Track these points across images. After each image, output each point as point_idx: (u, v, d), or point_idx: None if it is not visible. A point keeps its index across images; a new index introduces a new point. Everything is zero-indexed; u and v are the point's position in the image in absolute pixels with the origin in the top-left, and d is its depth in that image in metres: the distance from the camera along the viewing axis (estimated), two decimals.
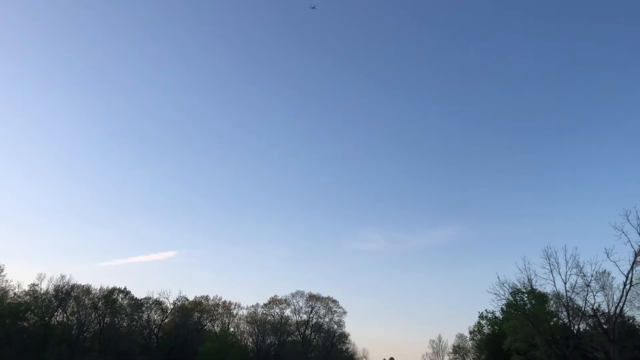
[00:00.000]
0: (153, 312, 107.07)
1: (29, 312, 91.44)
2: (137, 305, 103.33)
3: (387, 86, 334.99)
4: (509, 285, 50.83)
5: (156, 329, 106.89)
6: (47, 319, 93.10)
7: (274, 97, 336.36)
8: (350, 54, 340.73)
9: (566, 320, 50.39)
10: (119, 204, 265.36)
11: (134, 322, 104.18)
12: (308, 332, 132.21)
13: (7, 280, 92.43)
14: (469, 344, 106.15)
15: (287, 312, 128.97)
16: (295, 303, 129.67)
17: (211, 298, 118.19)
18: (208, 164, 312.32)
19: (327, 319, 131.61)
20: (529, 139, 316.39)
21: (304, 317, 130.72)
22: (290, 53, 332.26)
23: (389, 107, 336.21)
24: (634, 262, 36.50)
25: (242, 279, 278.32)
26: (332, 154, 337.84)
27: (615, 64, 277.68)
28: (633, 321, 57.93)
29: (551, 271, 43.77)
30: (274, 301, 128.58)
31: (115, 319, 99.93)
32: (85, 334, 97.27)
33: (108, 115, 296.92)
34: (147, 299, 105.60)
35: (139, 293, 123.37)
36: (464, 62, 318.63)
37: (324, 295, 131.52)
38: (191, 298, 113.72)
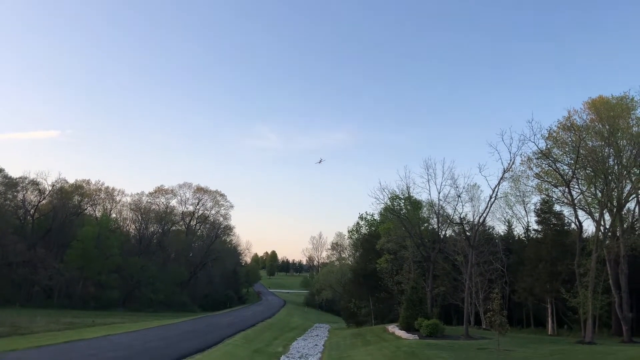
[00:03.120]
0: (29, 192, 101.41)
1: None
2: (12, 184, 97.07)
3: None
4: (388, 190, 53.86)
5: (32, 210, 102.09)
6: None
7: None
8: None
9: (435, 226, 54.89)
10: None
11: (8, 202, 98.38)
12: (193, 222, 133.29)
13: None
14: (347, 242, 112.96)
15: (173, 202, 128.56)
16: (182, 194, 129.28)
17: (93, 182, 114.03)
18: (102, 41, 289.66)
19: (213, 212, 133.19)
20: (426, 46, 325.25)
21: (190, 208, 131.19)
22: None
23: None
24: (501, 178, 39.99)
25: (127, 167, 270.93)
26: (236, 44, 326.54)
27: None
28: (492, 230, 64.63)
29: (428, 181, 46.73)
30: (159, 190, 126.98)
31: None
32: None
33: None
34: (23, 178, 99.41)
35: (14, 172, 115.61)
36: None
37: (212, 188, 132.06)
38: (72, 181, 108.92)
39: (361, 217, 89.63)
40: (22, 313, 64.43)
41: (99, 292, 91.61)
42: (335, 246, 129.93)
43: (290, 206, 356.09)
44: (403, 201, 56.86)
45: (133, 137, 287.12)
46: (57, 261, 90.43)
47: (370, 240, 67.24)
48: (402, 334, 39.49)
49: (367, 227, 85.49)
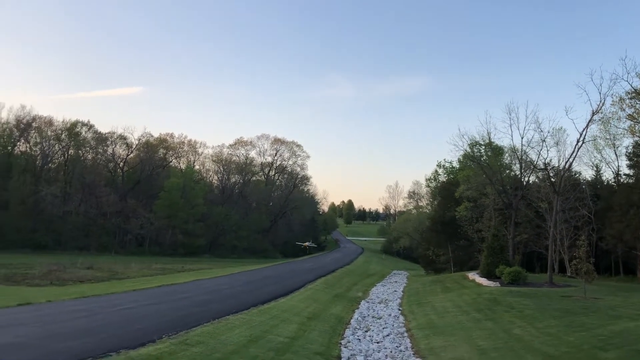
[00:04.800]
0: (118, 146, 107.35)
1: None
2: (102, 139, 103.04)
3: None
4: (468, 137, 52.31)
5: (121, 163, 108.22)
6: (9, 148, 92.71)
7: None
8: None
9: (518, 173, 53.02)
10: (86, 31, 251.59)
11: (99, 156, 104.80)
12: (272, 173, 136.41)
13: None
14: (424, 190, 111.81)
15: (252, 153, 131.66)
16: (261, 145, 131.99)
17: (176, 136, 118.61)
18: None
19: (290, 162, 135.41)
20: None
21: (269, 159, 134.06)
22: None
23: None
24: (589, 120, 37.60)
25: (208, 120, 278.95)
26: None
27: None
28: (579, 176, 61.53)
29: (510, 125, 44.81)
30: (239, 142, 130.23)
31: (80, 152, 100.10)
32: (49, 165, 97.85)
33: None
34: (112, 133, 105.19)
35: (103, 128, 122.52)
36: None
37: (289, 139, 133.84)
38: (156, 135, 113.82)
39: (439, 165, 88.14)
40: (117, 260, 69.38)
41: (186, 239, 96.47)
42: (412, 194, 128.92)
43: (365, 155, 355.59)
44: (483, 147, 55.14)
45: (211, 91, 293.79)
46: (146, 211, 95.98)
47: (448, 188, 66.10)
48: (483, 281, 39.14)
49: (445, 175, 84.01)
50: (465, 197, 56.49)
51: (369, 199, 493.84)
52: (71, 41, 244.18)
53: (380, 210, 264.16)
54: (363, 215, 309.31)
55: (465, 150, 53.78)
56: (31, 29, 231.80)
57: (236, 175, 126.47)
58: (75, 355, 12.55)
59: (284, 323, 21.87)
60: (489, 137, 50.41)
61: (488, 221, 53.37)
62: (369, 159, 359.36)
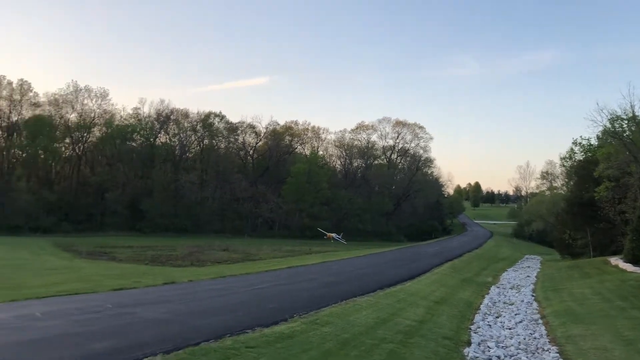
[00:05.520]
0: (247, 135, 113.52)
1: (135, 134, 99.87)
2: (233, 128, 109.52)
3: None
4: (607, 111, 47.96)
5: (251, 151, 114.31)
6: (151, 140, 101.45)
7: None
8: None
9: None
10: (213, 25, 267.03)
11: (231, 145, 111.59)
12: (394, 156, 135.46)
13: (112, 104, 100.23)
14: (558, 170, 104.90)
15: (374, 137, 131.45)
16: (382, 129, 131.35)
17: (300, 123, 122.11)
18: None
19: (412, 144, 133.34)
20: None
21: (390, 142, 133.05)
22: None
23: None
24: None
25: (329, 106, 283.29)
26: None
27: None
28: None
29: None
30: (360, 127, 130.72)
31: (214, 141, 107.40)
32: (187, 154, 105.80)
33: None
34: (242, 122, 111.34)
35: (233, 117, 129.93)
36: None
37: (411, 121, 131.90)
38: (282, 123, 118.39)
39: (575, 143, 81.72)
40: (250, 242, 73.41)
41: (312, 222, 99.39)
42: (546, 175, 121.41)
43: (492, 135, 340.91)
44: (626, 122, 50.35)
45: (332, 78, 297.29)
46: (275, 196, 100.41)
47: (586, 167, 61.31)
48: (628, 266, 36.03)
49: (582, 153, 77.99)
50: (605, 177, 52.03)
51: (498, 181, 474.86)
52: (203, 38, 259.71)
53: (510, 192, 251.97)
54: (491, 197, 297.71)
55: (605, 126, 49.48)
56: (170, 32, 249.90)
57: (358, 160, 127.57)
58: (214, 331, 13.48)
59: (411, 306, 21.78)
60: (633, 111, 45.95)
61: (633, 202, 48.78)
62: (497, 138, 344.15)
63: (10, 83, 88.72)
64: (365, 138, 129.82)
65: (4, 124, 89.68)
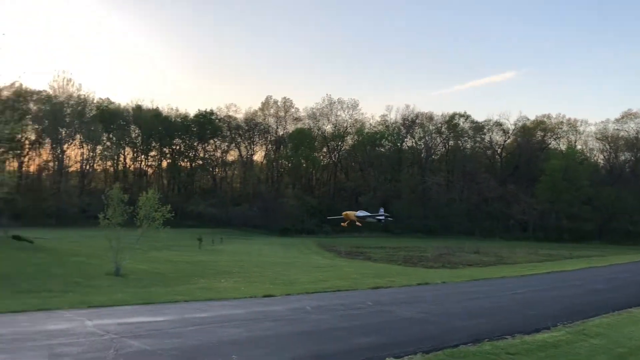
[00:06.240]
0: (494, 133, 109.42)
1: (384, 139, 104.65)
2: (478, 127, 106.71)
3: None
4: None
5: (499, 149, 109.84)
6: (398, 144, 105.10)
7: None
8: None
9: None
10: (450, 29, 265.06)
11: (477, 144, 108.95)
12: None
13: (362, 113, 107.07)
14: None
15: None
16: None
17: (554, 116, 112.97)
18: None
19: None
20: None
21: None
22: None
23: None
24: None
25: (587, 95, 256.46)
26: None
27: None
28: None
29: None
30: (627, 115, 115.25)
31: (459, 142, 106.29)
32: (432, 157, 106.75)
33: None
34: (488, 121, 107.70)
35: (478, 116, 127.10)
36: None
37: None
38: (532, 118, 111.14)
39: None
40: (501, 245, 70.56)
41: (571, 224, 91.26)
42: None
43: None
44: None
45: (590, 63, 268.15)
46: (527, 195, 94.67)
47: None
48: None
49: None
50: None
51: None
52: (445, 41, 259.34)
53: None
54: None
55: None
56: (412, 38, 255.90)
57: (626, 153, 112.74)
58: (471, 334, 13.28)
59: None
60: None
61: None
62: None
63: (276, 102, 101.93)
64: (634, 128, 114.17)
65: (272, 138, 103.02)
